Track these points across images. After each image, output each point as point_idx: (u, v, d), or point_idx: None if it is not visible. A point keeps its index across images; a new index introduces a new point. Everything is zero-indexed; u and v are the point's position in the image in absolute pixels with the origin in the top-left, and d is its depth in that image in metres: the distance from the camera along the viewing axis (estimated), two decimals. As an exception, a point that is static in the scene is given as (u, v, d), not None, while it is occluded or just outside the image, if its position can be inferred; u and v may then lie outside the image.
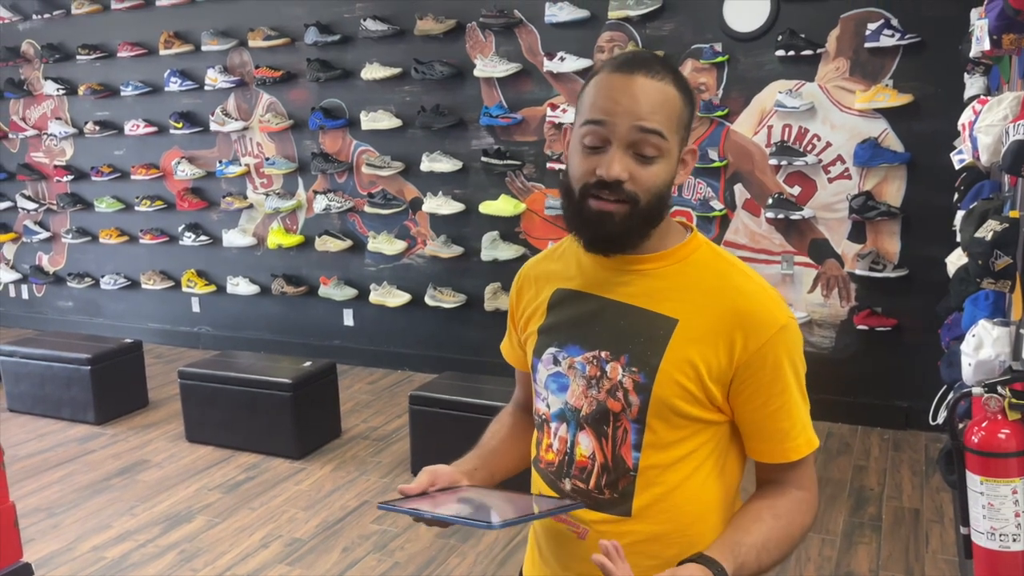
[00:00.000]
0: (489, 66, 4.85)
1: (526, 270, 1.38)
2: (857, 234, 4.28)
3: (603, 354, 1.20)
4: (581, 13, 4.61)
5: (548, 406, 1.26)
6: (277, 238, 5.66)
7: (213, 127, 5.72)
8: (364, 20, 5.12)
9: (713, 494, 1.21)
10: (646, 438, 1.18)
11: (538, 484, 1.30)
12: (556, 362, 1.25)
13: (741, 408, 1.19)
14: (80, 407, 4.72)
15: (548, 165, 4.86)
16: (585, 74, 4.38)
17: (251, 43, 5.49)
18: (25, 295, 6.94)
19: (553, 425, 1.25)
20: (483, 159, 4.97)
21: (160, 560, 3.24)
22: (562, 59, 4.63)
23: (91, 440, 4.51)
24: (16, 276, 6.87)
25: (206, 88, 5.70)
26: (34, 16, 6.26)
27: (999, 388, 1.80)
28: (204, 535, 3.43)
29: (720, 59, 4.37)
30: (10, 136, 6.63)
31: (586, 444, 1.21)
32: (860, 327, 4.28)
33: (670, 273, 1.21)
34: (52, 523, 3.58)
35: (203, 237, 5.95)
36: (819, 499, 1.25)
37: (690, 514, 1.19)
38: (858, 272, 4.25)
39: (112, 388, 4.78)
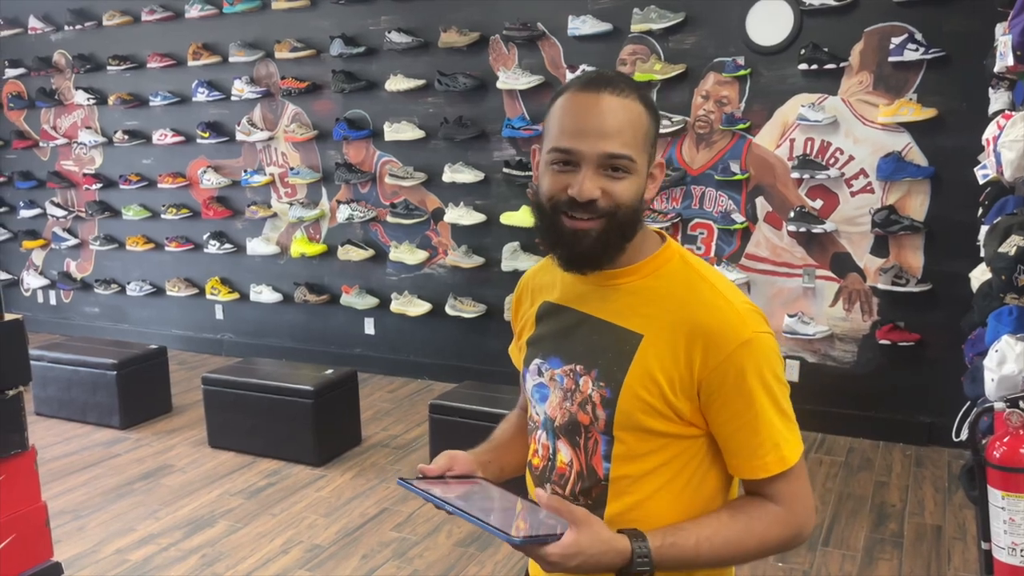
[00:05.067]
0: (512, 78, 4.89)
1: (525, 281, 1.41)
2: (880, 248, 4.26)
3: (578, 367, 1.22)
4: (604, 26, 4.64)
5: (537, 414, 1.30)
6: (300, 247, 5.72)
7: (239, 137, 5.80)
8: (389, 32, 5.18)
9: (688, 506, 1.19)
10: (616, 449, 1.19)
11: (529, 485, 1.34)
12: (540, 373, 1.28)
13: (712, 422, 1.17)
14: (105, 411, 4.79)
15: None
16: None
17: (277, 55, 5.57)
18: (53, 301, 7.06)
19: (539, 433, 1.29)
20: (505, 170, 5.00)
21: (182, 564, 3.28)
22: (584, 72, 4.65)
23: (116, 444, 4.57)
24: (44, 282, 6.98)
25: (232, 99, 5.78)
26: (66, 27, 6.38)
27: (1021, 403, 1.80)
28: (226, 540, 3.47)
29: (743, 72, 4.38)
30: (41, 144, 6.76)
31: (565, 452, 1.24)
32: (882, 342, 4.25)
33: (641, 287, 1.21)
34: (77, 525, 3.63)
35: (227, 245, 6.03)
36: (807, 518, 1.19)
37: (662, 525, 1.14)
38: (880, 286, 4.22)
39: (137, 393, 4.85)
